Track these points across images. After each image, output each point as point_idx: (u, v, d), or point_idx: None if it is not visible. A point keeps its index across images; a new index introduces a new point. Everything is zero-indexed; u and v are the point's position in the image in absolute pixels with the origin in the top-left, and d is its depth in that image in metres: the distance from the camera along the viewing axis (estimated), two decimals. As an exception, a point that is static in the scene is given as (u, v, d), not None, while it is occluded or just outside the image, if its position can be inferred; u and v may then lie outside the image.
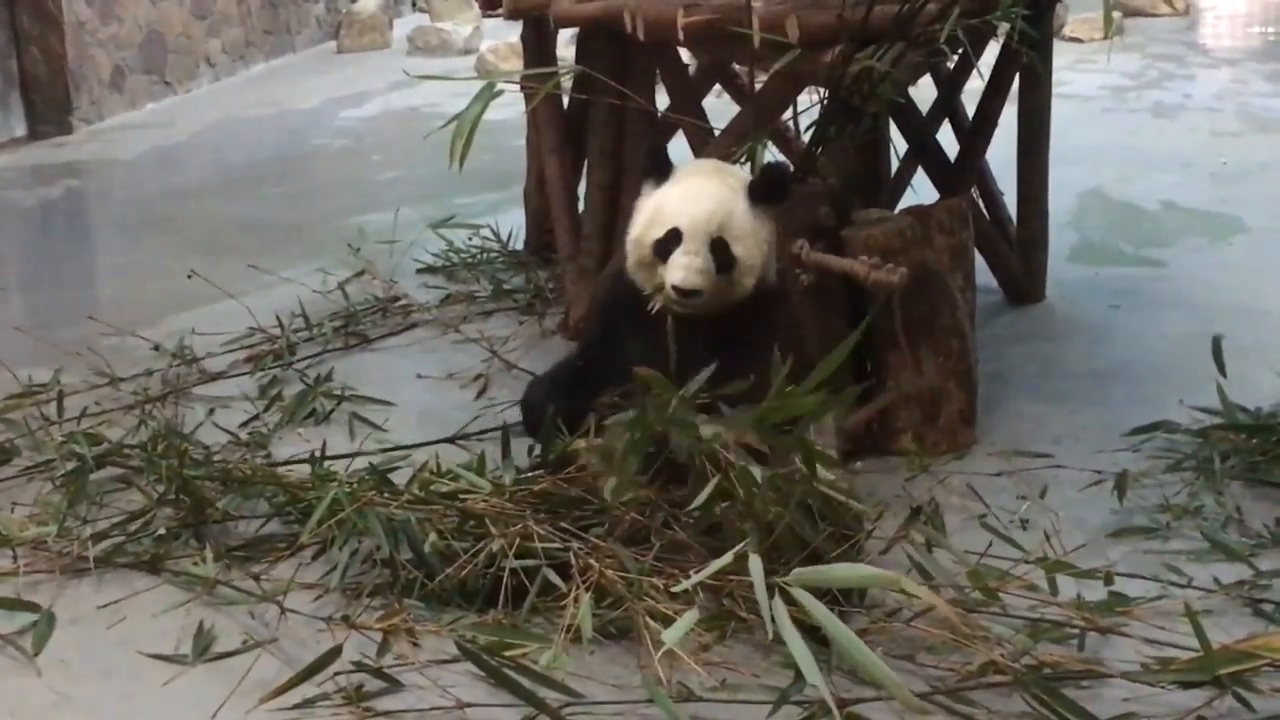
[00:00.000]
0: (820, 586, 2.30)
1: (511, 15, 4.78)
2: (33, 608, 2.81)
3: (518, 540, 2.71)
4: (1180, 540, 2.97)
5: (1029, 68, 4.29)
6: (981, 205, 4.51)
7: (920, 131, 4.41)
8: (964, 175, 4.45)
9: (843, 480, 2.78)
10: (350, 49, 12.31)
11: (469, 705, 2.42)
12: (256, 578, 2.87)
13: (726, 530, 2.64)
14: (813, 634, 2.25)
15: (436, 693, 2.45)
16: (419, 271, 5.14)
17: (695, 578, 2.46)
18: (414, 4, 14.47)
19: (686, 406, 2.70)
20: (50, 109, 8.71)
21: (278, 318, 4.51)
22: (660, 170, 3.18)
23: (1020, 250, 4.60)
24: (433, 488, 2.96)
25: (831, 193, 3.49)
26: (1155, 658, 2.44)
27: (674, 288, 3.01)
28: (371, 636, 2.63)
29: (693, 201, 3.06)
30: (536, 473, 3.03)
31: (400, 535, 2.79)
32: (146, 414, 3.79)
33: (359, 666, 2.52)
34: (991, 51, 4.25)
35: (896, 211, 3.67)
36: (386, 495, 2.93)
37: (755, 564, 2.31)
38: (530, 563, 2.69)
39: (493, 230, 5.36)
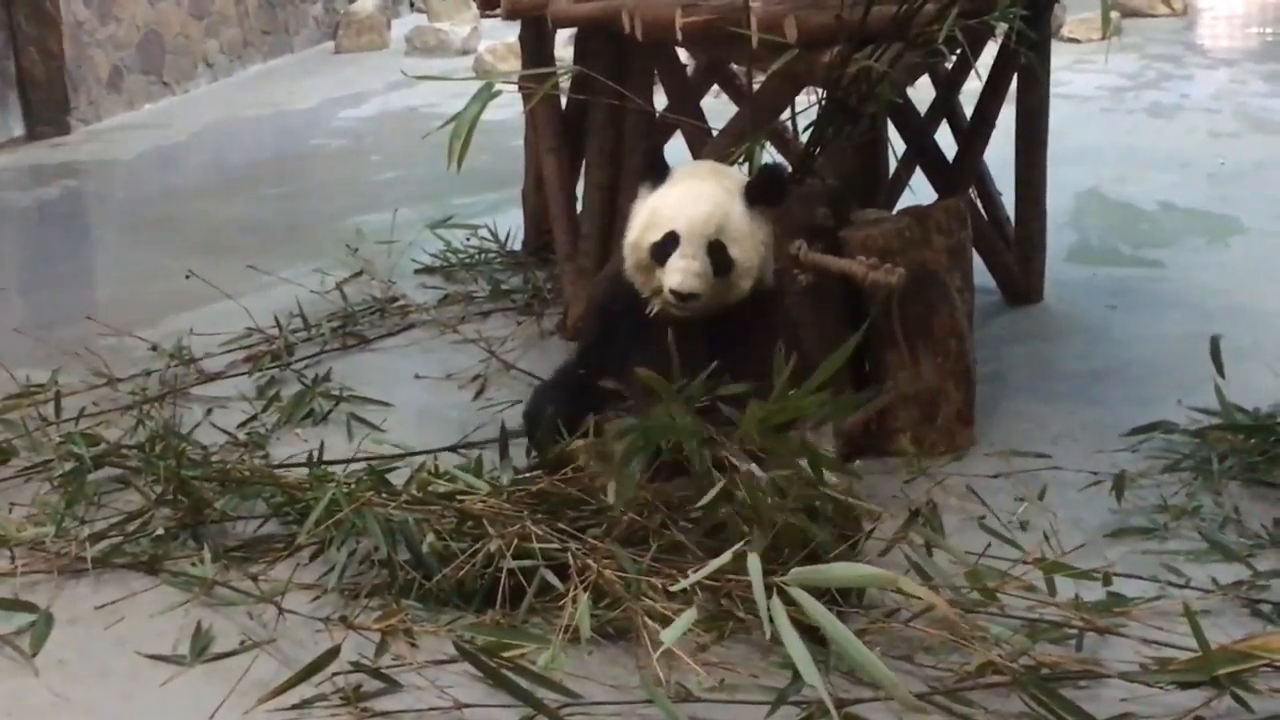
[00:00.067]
0: (819, 586, 2.31)
1: (509, 15, 4.77)
2: (30, 608, 2.81)
3: (516, 541, 2.70)
4: (1178, 541, 2.97)
5: (1027, 68, 4.29)
6: (979, 205, 4.51)
7: (918, 132, 4.41)
8: (962, 176, 4.45)
9: (844, 481, 2.78)
10: (348, 49, 12.30)
11: (467, 705, 2.42)
12: (254, 578, 2.88)
13: (731, 531, 2.63)
14: (811, 634, 2.25)
15: (434, 693, 2.45)
16: (417, 272, 5.13)
17: (693, 577, 2.46)
18: (412, 4, 14.45)
19: (687, 409, 2.70)
20: (48, 109, 8.69)
21: (276, 318, 4.51)
22: (657, 172, 3.17)
23: (1018, 250, 4.60)
24: (430, 488, 2.96)
25: (829, 193, 3.50)
26: (1153, 658, 2.44)
27: (672, 291, 3.01)
28: (369, 637, 2.63)
29: (690, 204, 3.05)
30: (534, 473, 3.03)
31: (398, 536, 2.79)
32: (144, 414, 3.79)
33: (357, 667, 2.52)
34: (990, 52, 4.26)
35: (894, 212, 3.67)
36: (384, 496, 2.93)
37: (754, 564, 2.31)
38: (528, 563, 2.68)
39: (491, 231, 5.35)
